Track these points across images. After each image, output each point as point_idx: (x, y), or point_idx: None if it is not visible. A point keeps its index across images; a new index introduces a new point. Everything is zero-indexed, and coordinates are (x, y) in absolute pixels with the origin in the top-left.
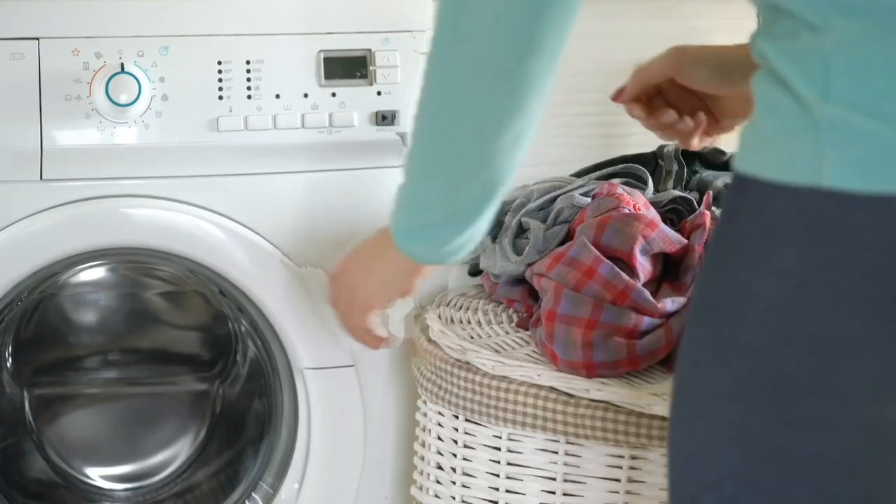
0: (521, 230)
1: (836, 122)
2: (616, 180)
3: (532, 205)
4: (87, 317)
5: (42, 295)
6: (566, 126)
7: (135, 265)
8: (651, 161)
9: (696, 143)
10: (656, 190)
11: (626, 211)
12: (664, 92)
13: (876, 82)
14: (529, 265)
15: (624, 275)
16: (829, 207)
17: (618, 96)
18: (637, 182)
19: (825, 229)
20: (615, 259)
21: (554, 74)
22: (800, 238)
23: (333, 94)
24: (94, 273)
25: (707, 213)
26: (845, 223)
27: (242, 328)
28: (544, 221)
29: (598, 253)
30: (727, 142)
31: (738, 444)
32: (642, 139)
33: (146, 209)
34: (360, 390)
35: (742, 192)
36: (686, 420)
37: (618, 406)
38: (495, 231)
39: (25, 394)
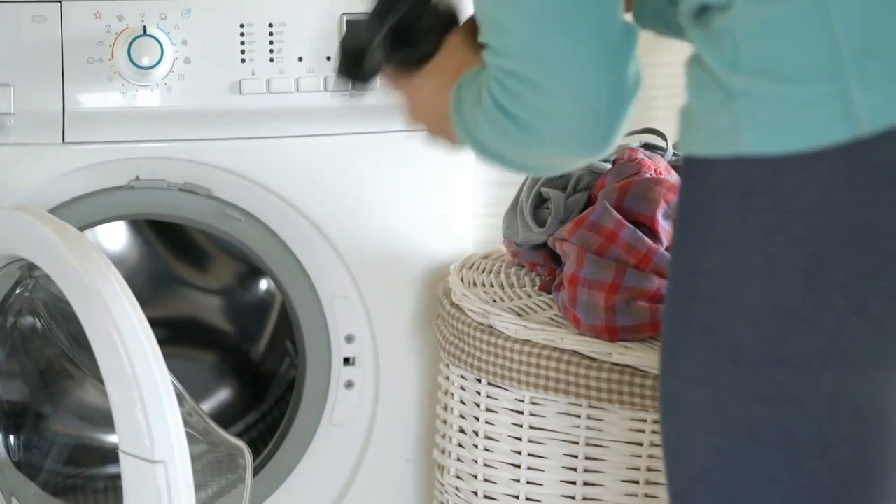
0: (542, 199)
1: (747, 89)
2: (635, 144)
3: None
4: None
5: None
6: None
7: (156, 228)
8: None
9: None
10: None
11: (648, 175)
12: None
13: (775, 44)
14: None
15: (647, 239)
16: (754, 175)
17: None
18: (655, 147)
19: (754, 198)
20: (638, 224)
21: None
22: (733, 210)
23: None
24: (114, 236)
25: None
26: (772, 189)
27: (265, 292)
28: (564, 189)
29: (620, 217)
30: None
31: (716, 428)
32: (664, 103)
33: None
34: (381, 353)
35: (684, 172)
36: (668, 411)
37: (640, 370)
38: (514, 200)
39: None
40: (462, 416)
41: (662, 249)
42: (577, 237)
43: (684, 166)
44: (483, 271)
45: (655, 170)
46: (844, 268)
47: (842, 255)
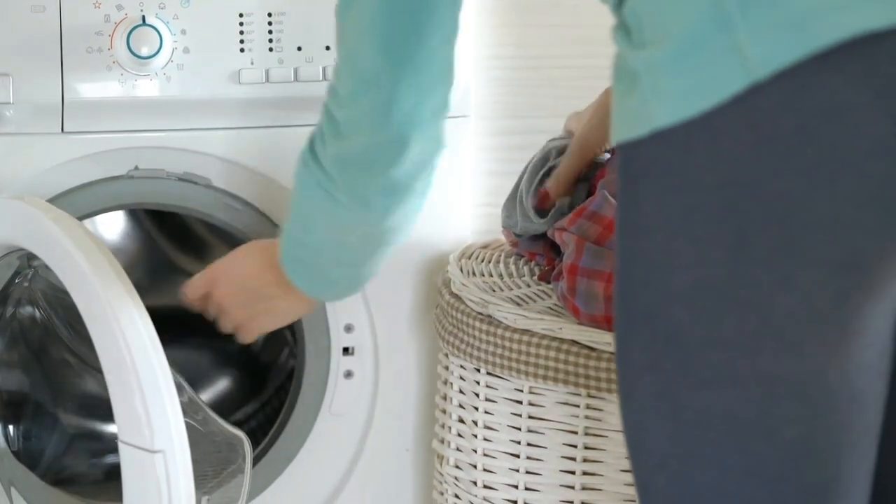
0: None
1: (649, 63)
2: None
3: (551, 163)
4: None
5: None
6: (585, 79)
7: (155, 218)
8: None
9: None
10: None
11: None
12: None
13: (665, 10)
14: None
15: None
16: (670, 156)
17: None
18: None
19: (672, 178)
20: None
21: None
22: (654, 192)
23: None
24: (113, 225)
25: None
26: (686, 168)
27: None
28: None
29: None
30: None
31: (667, 416)
32: None
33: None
34: (380, 343)
35: (617, 161)
36: (623, 402)
37: None
38: (514, 190)
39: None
40: (461, 406)
41: None
42: (576, 227)
43: (617, 155)
44: (482, 261)
45: None
46: (765, 242)
47: (761, 229)
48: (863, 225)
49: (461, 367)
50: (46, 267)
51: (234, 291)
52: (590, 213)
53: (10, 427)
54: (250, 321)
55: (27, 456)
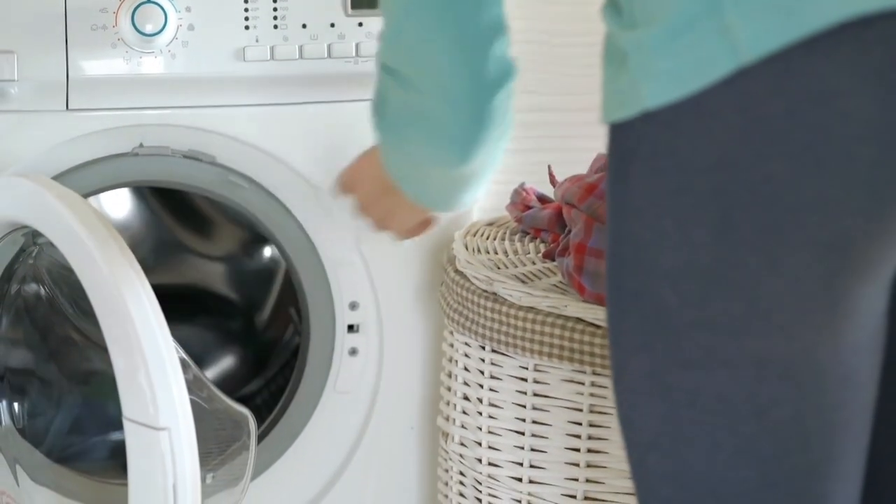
0: None
1: (638, 43)
2: None
3: None
4: None
5: None
6: (593, 56)
7: (160, 195)
8: None
9: None
10: None
11: None
12: None
13: None
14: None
15: None
16: (659, 137)
17: None
18: None
19: (660, 160)
20: None
21: None
22: (643, 173)
23: (360, 24)
24: (118, 203)
25: None
26: (674, 150)
27: (269, 259)
28: None
29: None
30: None
31: (658, 396)
32: None
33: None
34: (385, 320)
35: (606, 142)
36: (615, 382)
37: None
38: None
39: None
40: (466, 384)
41: None
42: (586, 205)
43: (607, 136)
44: (487, 238)
45: None
46: (752, 225)
47: (747, 212)
48: (851, 207)
49: (466, 344)
50: (51, 244)
51: (368, 189)
52: (601, 191)
53: (15, 404)
54: (390, 216)
55: (32, 433)
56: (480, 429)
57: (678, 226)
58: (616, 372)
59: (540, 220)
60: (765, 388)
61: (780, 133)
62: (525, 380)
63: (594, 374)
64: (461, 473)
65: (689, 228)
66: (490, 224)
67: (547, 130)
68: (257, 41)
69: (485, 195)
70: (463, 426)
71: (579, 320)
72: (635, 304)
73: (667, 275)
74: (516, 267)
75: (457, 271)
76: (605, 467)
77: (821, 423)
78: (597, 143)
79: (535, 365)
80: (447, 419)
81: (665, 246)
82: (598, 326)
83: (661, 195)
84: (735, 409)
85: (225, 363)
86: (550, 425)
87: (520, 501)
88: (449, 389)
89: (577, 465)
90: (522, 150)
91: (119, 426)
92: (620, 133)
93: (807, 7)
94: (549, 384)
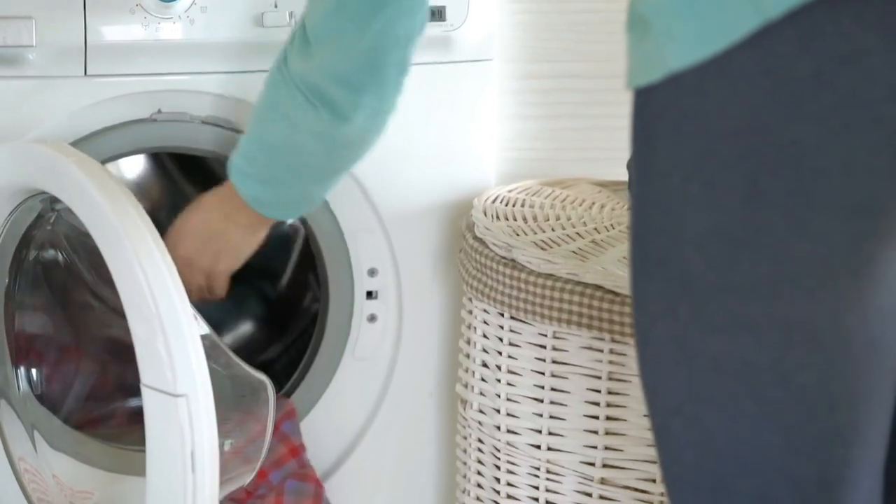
0: None
1: (660, 8)
2: None
3: None
4: None
5: None
6: (610, 23)
7: (178, 161)
8: None
9: None
10: None
11: None
12: None
13: None
14: None
15: None
16: (684, 100)
17: None
18: None
19: (686, 123)
20: None
21: None
22: (669, 136)
23: None
24: (136, 169)
25: None
26: (700, 114)
27: (287, 226)
28: None
29: None
30: None
31: (682, 362)
32: None
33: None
34: (404, 287)
35: (631, 107)
36: (639, 348)
37: None
38: None
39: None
40: (485, 351)
41: None
42: None
43: (632, 102)
44: (506, 204)
45: None
46: (779, 188)
47: (775, 175)
48: (878, 170)
49: (485, 311)
50: (69, 210)
51: (188, 244)
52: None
53: (33, 370)
54: (215, 265)
55: (50, 399)
56: (499, 396)
57: (704, 189)
58: (640, 338)
59: None
60: (790, 354)
61: (807, 95)
62: (544, 347)
63: (613, 341)
64: (479, 441)
65: (715, 192)
66: (510, 191)
67: (565, 96)
68: (276, 6)
69: (504, 161)
70: (481, 393)
71: (598, 287)
72: (660, 269)
73: (692, 239)
74: (535, 234)
75: (476, 238)
76: (623, 434)
77: (846, 388)
78: (616, 108)
79: (554, 332)
80: (466, 386)
81: (691, 210)
82: (616, 294)
83: (687, 159)
84: (760, 374)
85: (243, 330)
86: (569, 392)
87: (538, 468)
88: (467, 356)
89: (596, 432)
90: (538, 116)
91: (137, 393)
92: (646, 98)
93: None
94: (567, 351)
